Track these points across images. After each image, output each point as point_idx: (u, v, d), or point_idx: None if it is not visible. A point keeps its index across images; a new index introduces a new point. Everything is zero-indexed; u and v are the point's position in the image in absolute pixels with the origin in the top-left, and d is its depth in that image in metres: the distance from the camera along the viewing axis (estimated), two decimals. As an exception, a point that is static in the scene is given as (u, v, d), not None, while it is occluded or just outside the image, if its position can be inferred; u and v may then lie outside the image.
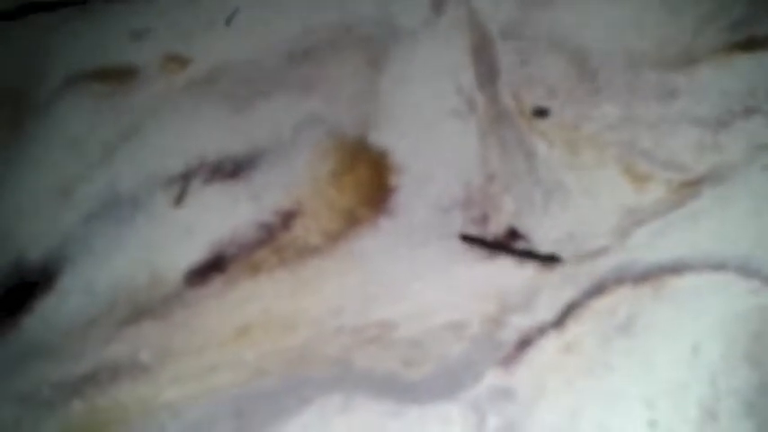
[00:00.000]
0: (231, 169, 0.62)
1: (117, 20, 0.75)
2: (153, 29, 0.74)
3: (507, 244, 0.53)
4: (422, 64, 0.66)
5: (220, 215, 0.58)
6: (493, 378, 0.46)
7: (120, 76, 0.70)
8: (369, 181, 0.59)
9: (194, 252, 0.56)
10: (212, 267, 0.55)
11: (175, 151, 0.63)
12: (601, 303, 0.50)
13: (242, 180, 0.61)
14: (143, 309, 0.53)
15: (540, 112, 0.60)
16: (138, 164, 0.63)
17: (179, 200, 0.60)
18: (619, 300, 0.50)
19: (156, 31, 0.73)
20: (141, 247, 0.57)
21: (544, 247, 0.52)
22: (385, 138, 0.61)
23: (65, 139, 0.66)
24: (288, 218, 0.57)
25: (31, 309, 0.55)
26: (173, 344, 0.51)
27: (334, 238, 0.55)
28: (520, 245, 0.52)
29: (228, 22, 0.73)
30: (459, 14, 0.69)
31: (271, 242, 0.56)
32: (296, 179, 0.60)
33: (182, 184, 0.61)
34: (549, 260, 0.51)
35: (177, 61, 0.71)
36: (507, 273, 0.51)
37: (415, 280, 0.52)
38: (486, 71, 0.65)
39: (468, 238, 0.53)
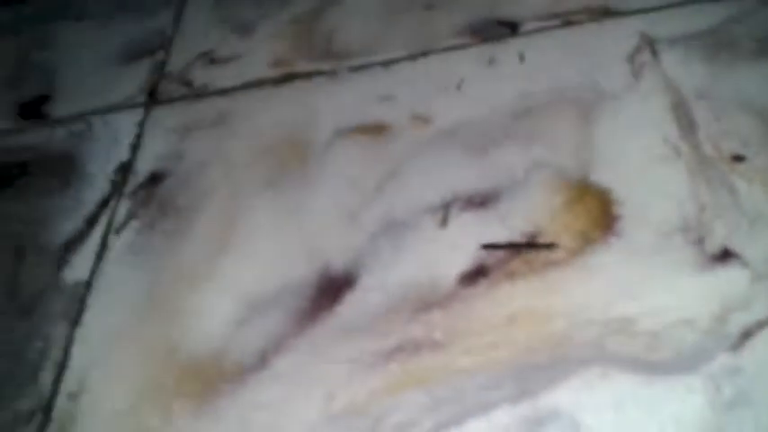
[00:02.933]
0: (480, 201, 0.79)
1: (365, 86, 0.96)
2: (395, 95, 0.94)
3: (516, 243, 0.70)
4: (628, 119, 0.82)
5: (477, 233, 0.75)
6: (723, 359, 0.59)
7: (376, 130, 0.90)
8: (596, 210, 0.74)
9: (461, 262, 0.73)
10: (477, 273, 0.72)
11: (433, 187, 0.81)
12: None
13: (490, 209, 0.77)
14: (429, 302, 0.70)
15: (738, 158, 0.74)
16: (405, 196, 0.81)
17: (443, 222, 0.77)
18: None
19: (399, 96, 0.93)
20: (419, 257, 0.75)
21: (757, 264, 0.65)
22: (604, 178, 0.77)
23: (343, 176, 0.86)
24: (532, 238, 0.73)
25: (342, 301, 0.73)
26: (457, 327, 0.68)
27: (573, 254, 0.71)
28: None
29: (459, 87, 0.92)
30: (656, 79, 0.84)
31: (520, 256, 0.72)
32: (534, 208, 0.76)
33: (444, 211, 0.78)
34: (549, 247, 0.68)
35: (421, 119, 0.90)
36: (727, 280, 0.64)
37: (646, 286, 0.66)
38: (686, 125, 0.79)
39: (488, 246, 0.70)
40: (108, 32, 1.17)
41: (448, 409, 0.62)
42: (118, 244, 0.85)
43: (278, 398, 0.66)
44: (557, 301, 0.68)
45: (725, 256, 0.66)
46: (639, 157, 0.78)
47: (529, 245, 0.72)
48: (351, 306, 0.72)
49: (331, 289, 0.74)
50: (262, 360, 0.69)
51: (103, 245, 0.85)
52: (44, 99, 1.10)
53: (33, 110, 1.09)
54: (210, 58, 1.08)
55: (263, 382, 0.68)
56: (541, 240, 0.72)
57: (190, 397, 0.68)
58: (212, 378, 0.69)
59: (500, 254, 0.72)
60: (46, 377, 0.73)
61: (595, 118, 0.83)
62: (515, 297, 0.69)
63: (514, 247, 0.72)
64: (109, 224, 0.88)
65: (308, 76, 1.00)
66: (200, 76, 1.05)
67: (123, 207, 0.89)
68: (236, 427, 0.65)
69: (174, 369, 0.70)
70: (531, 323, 0.66)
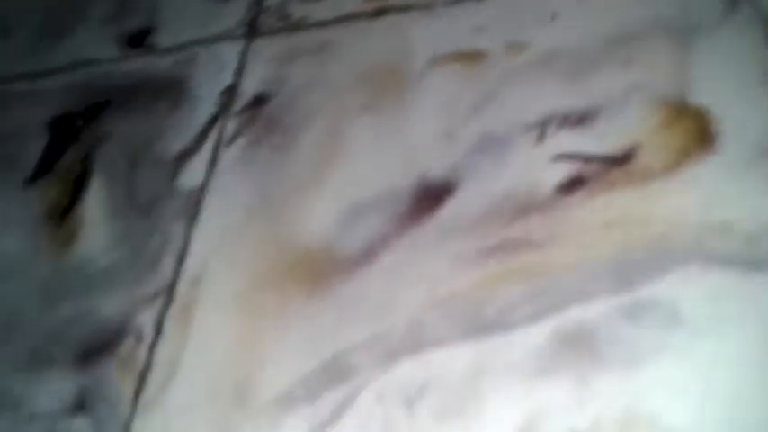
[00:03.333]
0: (577, 119, 0.81)
1: (459, 19, 0.99)
2: (489, 27, 0.97)
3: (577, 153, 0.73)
4: (724, 47, 0.83)
5: (574, 148, 0.78)
6: (820, 259, 0.62)
7: (472, 58, 0.93)
8: (694, 128, 0.76)
9: (559, 173, 0.76)
10: (575, 183, 0.75)
11: (529, 107, 0.84)
12: None
13: (587, 127, 0.80)
14: (527, 208, 0.74)
15: (839, 81, 0.75)
16: (502, 116, 0.84)
17: (540, 138, 0.81)
18: None
19: (493, 27, 0.96)
20: (516, 170, 0.78)
21: None
22: (702, 100, 0.78)
23: (440, 100, 0.89)
24: (630, 152, 0.76)
25: (442, 206, 0.77)
26: (554, 231, 0.71)
27: (671, 167, 0.73)
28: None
29: (552, 18, 0.95)
30: (752, 10, 0.85)
31: (620, 168, 0.75)
32: (632, 126, 0.78)
33: (541, 128, 0.81)
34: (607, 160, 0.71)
35: (516, 47, 0.93)
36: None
37: (744, 195, 0.68)
38: (783, 52, 0.80)
39: (560, 157, 0.73)
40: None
41: (547, 298, 0.66)
42: (228, 156, 0.91)
43: (384, 286, 0.71)
44: (654, 208, 0.70)
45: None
46: (736, 81, 0.79)
47: (597, 158, 0.74)
48: (450, 211, 0.76)
49: (431, 196, 0.78)
50: (368, 255, 0.74)
51: (214, 157, 0.91)
52: (147, 32, 1.16)
53: (138, 41, 1.16)
54: (307, -6, 1.13)
55: (370, 273, 0.72)
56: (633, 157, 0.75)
57: (303, 283, 0.73)
58: (323, 268, 0.74)
59: (598, 166, 0.75)
60: (167, 266, 0.79)
61: (692, 45, 0.84)
62: (613, 205, 0.72)
63: (578, 157, 0.75)
64: (218, 140, 0.94)
65: (402, 9, 1.03)
66: (297, 10, 1.10)
67: (231, 125, 0.95)
68: (348, 308, 0.70)
69: (287, 260, 0.76)
70: (628, 227, 0.69)
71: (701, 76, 0.81)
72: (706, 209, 0.69)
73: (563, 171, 0.76)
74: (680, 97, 0.79)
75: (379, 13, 1.05)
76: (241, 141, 0.93)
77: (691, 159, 0.73)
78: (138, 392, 0.68)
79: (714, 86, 0.79)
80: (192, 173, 0.90)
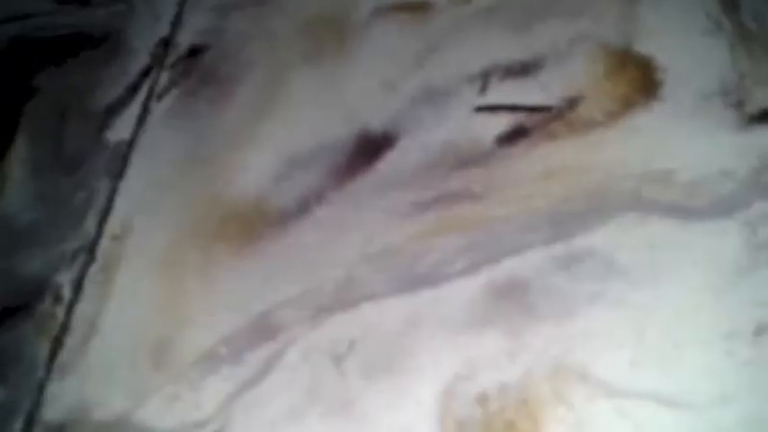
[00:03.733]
0: (520, 69, 0.79)
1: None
2: (436, -25, 0.93)
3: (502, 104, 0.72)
4: (671, -3, 0.81)
5: (516, 99, 0.75)
6: (760, 206, 0.60)
7: (416, 8, 0.90)
8: (638, 76, 0.74)
9: (501, 124, 0.73)
10: (517, 134, 0.72)
11: (473, 58, 0.81)
12: None
13: (530, 77, 0.77)
14: (468, 160, 0.71)
15: (783, 30, 0.73)
16: (445, 67, 0.81)
17: (483, 90, 0.78)
18: None
19: (440, -24, 0.92)
20: (457, 121, 0.75)
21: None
22: (647, 48, 0.76)
23: (382, 51, 0.86)
24: (573, 102, 0.73)
25: (383, 158, 0.74)
26: (494, 182, 0.68)
27: (614, 116, 0.71)
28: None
29: (500, -32, 0.91)
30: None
31: (561, 118, 0.72)
32: (575, 76, 0.76)
33: (483, 79, 0.78)
34: (538, 110, 0.69)
35: (462, -3, 0.90)
36: (766, 138, 0.64)
37: (685, 143, 0.66)
38: (729, 3, 0.78)
39: (481, 108, 0.71)
40: None
41: (483, 251, 0.63)
42: (159, 108, 0.86)
43: (317, 240, 0.68)
44: (595, 157, 0.68)
45: (764, 116, 0.66)
46: (681, 30, 0.77)
47: (514, 107, 0.73)
48: (389, 163, 0.73)
49: (369, 148, 0.75)
50: (302, 208, 0.71)
51: (145, 109, 0.87)
52: (80, -15, 1.10)
53: (72, -5, 1.10)
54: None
55: (304, 227, 0.69)
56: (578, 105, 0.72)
57: (232, 238, 0.70)
58: (254, 222, 0.71)
59: (540, 117, 0.73)
60: (90, 222, 0.75)
61: (640, -6, 0.82)
62: (554, 155, 0.69)
63: (508, 109, 0.73)
64: (150, 92, 0.89)
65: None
66: (237, -38, 1.05)
67: (165, 77, 0.90)
68: (277, 265, 0.67)
69: (217, 214, 0.72)
70: (568, 177, 0.67)
71: (646, 25, 0.78)
72: (647, 158, 0.67)
73: (504, 122, 0.73)
74: (625, 46, 0.77)
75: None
76: (174, 93, 0.88)
77: (633, 108, 0.71)
78: (53, 355, 0.64)
79: (659, 36, 0.77)
80: (121, 126, 0.85)
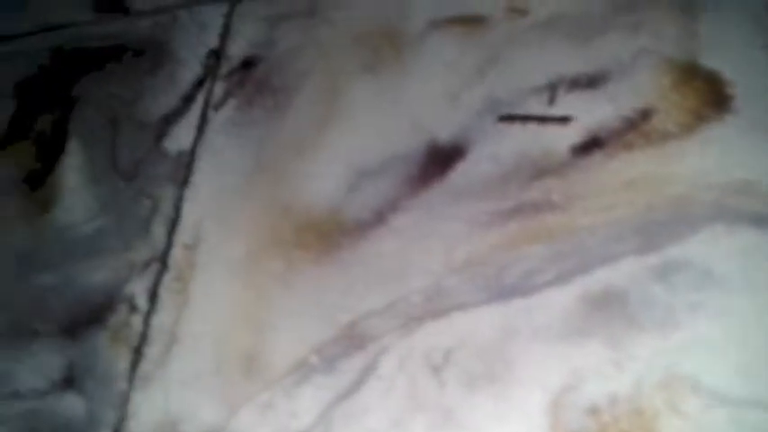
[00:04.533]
0: (586, 82, 0.79)
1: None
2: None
3: (531, 116, 0.74)
4: (729, 13, 0.82)
5: (586, 111, 0.76)
6: None
7: (471, 21, 0.90)
8: (707, 89, 0.74)
9: (576, 134, 0.74)
10: (592, 145, 0.72)
11: (535, 70, 0.82)
12: None
13: (598, 89, 0.78)
14: (544, 170, 0.71)
15: None
16: (508, 79, 0.82)
17: (551, 102, 0.78)
18: None
19: (493, -10, 0.93)
20: (528, 132, 0.75)
21: None
22: (712, 62, 0.77)
23: (441, 62, 0.86)
24: (645, 114, 0.74)
25: (454, 169, 0.74)
26: (575, 192, 0.69)
27: (688, 128, 0.71)
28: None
29: (553, -17, 0.92)
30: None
31: (636, 129, 0.73)
32: (643, 89, 0.77)
33: (550, 91, 0.79)
34: (563, 120, 0.71)
35: (518, 11, 0.90)
36: None
37: (763, 154, 0.67)
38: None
39: (504, 118, 0.73)
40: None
41: (572, 260, 0.63)
42: (218, 118, 0.85)
43: (397, 249, 0.67)
44: (675, 168, 0.68)
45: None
46: (745, 45, 0.78)
47: (542, 118, 0.74)
48: (463, 173, 0.73)
49: (440, 158, 0.75)
50: (378, 218, 0.70)
51: (203, 119, 0.86)
52: (120, -5, 1.10)
53: (112, 4, 1.09)
54: (291, -43, 1.08)
55: (382, 237, 0.69)
56: (651, 117, 0.73)
57: (310, 247, 0.69)
58: (330, 232, 0.70)
59: (615, 127, 0.73)
60: (158, 231, 0.74)
61: (697, 11, 0.83)
62: (632, 165, 0.70)
63: (530, 120, 0.74)
64: (206, 102, 0.88)
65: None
66: (284, -27, 1.05)
67: (219, 87, 0.90)
68: (358, 274, 0.66)
69: (290, 223, 0.71)
70: (649, 187, 0.67)
71: (708, 40, 0.80)
72: (726, 169, 0.67)
73: (577, 133, 0.74)
74: (689, 61, 0.78)
75: (372, -25, 1.01)
76: (231, 103, 0.87)
77: (706, 121, 0.72)
78: (134, 365, 0.62)
79: (723, 50, 0.78)
80: (180, 135, 0.84)
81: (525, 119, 0.75)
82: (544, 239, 0.65)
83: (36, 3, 1.11)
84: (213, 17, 1.01)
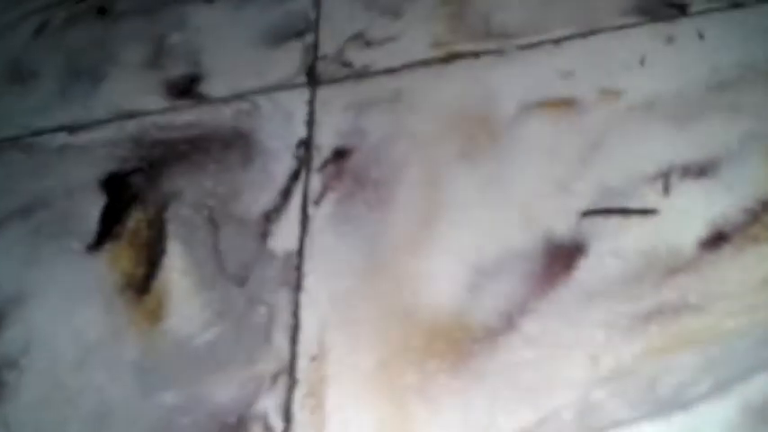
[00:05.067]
0: (698, 170, 0.78)
1: (539, 63, 0.96)
2: (574, 71, 0.94)
3: (613, 208, 0.75)
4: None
5: (705, 202, 0.75)
6: None
7: (563, 104, 0.90)
8: (828, 178, 0.74)
9: (696, 228, 0.73)
10: (719, 239, 0.71)
11: (641, 156, 0.81)
12: None
13: (711, 178, 0.77)
14: (674, 267, 0.70)
15: None
16: (615, 166, 0.81)
17: (666, 191, 0.77)
18: None
19: (579, 72, 0.93)
20: (648, 225, 0.74)
21: None
22: (826, 148, 0.77)
23: (540, 148, 0.86)
24: (765, 205, 0.73)
25: (577, 267, 0.73)
26: (711, 291, 0.67)
27: (817, 219, 0.71)
28: None
29: (642, 63, 0.92)
30: None
31: (760, 221, 0.72)
32: (758, 176, 0.76)
33: (664, 179, 0.78)
34: (645, 213, 0.72)
35: (611, 93, 0.90)
36: None
37: None
38: None
39: (588, 213, 0.74)
40: (244, 15, 1.18)
41: (726, 368, 0.62)
42: (319, 215, 0.85)
43: (536, 359, 0.66)
44: (811, 264, 0.67)
45: None
46: None
47: (624, 210, 0.74)
48: (588, 272, 0.72)
49: (561, 255, 0.74)
50: (508, 322, 0.69)
51: (304, 215, 0.85)
52: (194, 80, 1.10)
53: (185, 90, 1.09)
54: (365, 41, 1.09)
55: (517, 344, 0.67)
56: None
57: (443, 356, 0.67)
58: (460, 338, 0.68)
59: (738, 219, 0.72)
60: (279, 341, 0.72)
61: (798, 89, 0.83)
62: (764, 260, 0.69)
63: (612, 212, 0.74)
64: (304, 196, 0.88)
65: (474, 55, 1.00)
66: (359, 57, 1.05)
67: (315, 180, 0.89)
68: (501, 386, 0.64)
69: (416, 329, 0.70)
70: (789, 285, 0.66)
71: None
72: None
73: (700, 225, 0.73)
74: (804, 145, 0.78)
75: (450, 58, 1.01)
76: (331, 197, 0.87)
77: (836, 210, 0.71)
78: (279, 492, 0.61)
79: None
80: (284, 234, 0.83)
81: (608, 212, 0.75)
82: (692, 345, 0.64)
83: (106, 87, 1.11)
84: (296, 104, 1.01)
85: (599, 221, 0.76)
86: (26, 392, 0.74)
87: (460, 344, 0.68)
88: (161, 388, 0.71)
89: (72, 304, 0.82)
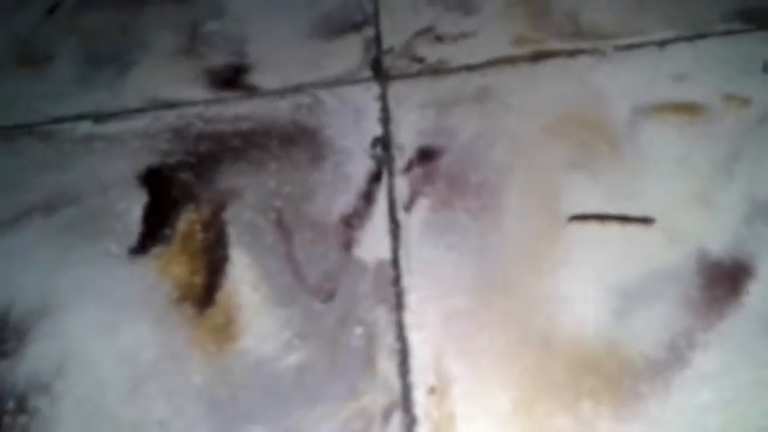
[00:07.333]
0: None
1: (646, 66, 0.85)
2: (688, 75, 0.83)
3: (605, 214, 0.68)
4: None
5: None
6: None
7: (685, 110, 0.80)
8: None
9: None
10: None
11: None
12: None
13: None
14: None
15: None
16: (762, 178, 0.70)
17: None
18: None
19: (695, 76, 0.83)
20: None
21: None
22: None
23: (669, 157, 0.75)
24: None
25: (746, 292, 0.61)
26: None
27: None
28: None
29: (764, 70, 0.82)
30: None
31: None
32: None
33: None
34: (644, 221, 0.66)
35: (737, 100, 0.80)
36: None
37: None
38: None
39: (576, 218, 0.67)
40: (290, 4, 1.06)
41: None
42: (413, 222, 0.72)
43: (718, 403, 0.54)
44: None
45: None
46: None
47: (620, 218, 0.68)
48: (762, 298, 0.60)
49: (722, 276, 0.62)
50: (677, 357, 0.57)
51: (394, 222, 0.72)
52: (239, 70, 0.97)
53: (230, 81, 0.96)
54: (435, 36, 0.97)
55: (691, 384, 0.55)
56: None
57: (599, 397, 0.55)
58: (617, 374, 0.56)
59: None
60: (385, 368, 0.59)
61: None
62: None
63: (604, 219, 0.68)
64: (391, 201, 0.75)
65: (568, 54, 0.89)
66: (431, 52, 0.94)
67: (402, 183, 0.76)
68: (683, 435, 0.52)
69: (557, 360, 0.57)
70: None
71: None
72: None
73: None
74: None
75: (539, 57, 0.90)
76: (423, 204, 0.74)
77: None
78: None
79: None
80: (372, 243, 0.70)
81: (603, 218, 0.68)
82: None
83: (136, 75, 0.97)
84: (365, 100, 0.89)
85: (761, 235, 0.65)
86: (64, 424, 0.59)
87: (619, 381, 0.56)
88: (242, 422, 0.56)
89: (115, 318, 0.67)
